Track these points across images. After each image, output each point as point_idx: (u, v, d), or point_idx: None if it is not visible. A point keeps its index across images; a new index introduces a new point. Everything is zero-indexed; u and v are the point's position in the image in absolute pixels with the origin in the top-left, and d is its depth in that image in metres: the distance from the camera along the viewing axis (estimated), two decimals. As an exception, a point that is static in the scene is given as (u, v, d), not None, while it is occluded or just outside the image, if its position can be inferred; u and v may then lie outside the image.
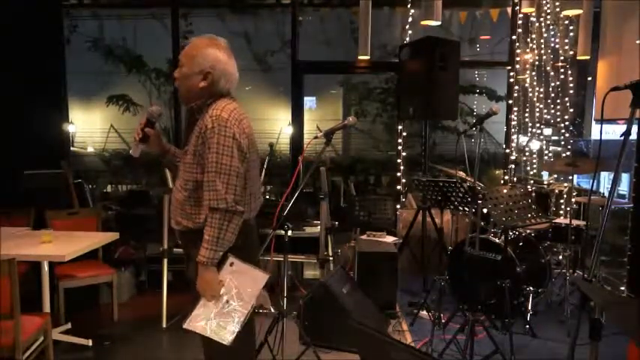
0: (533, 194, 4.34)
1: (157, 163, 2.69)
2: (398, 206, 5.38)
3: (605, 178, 7.65)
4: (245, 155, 2.01)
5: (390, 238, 4.48)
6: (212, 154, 1.94)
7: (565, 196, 5.09)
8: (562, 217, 4.78)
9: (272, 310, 3.01)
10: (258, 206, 2.20)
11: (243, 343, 2.05)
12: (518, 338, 3.53)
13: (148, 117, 2.12)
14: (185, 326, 2.01)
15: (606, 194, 5.74)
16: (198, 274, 2.00)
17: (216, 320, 1.99)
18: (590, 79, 6.19)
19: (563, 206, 5.17)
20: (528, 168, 5.79)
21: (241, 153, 1.99)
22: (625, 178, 6.46)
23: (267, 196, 6.78)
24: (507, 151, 5.53)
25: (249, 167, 2.06)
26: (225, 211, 1.94)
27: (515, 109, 5.54)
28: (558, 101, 5.56)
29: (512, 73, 5.45)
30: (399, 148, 5.44)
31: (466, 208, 3.49)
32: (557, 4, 5.38)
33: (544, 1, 5.45)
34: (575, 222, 4.10)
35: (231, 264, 2.02)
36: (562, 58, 5.53)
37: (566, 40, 5.52)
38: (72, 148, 7.88)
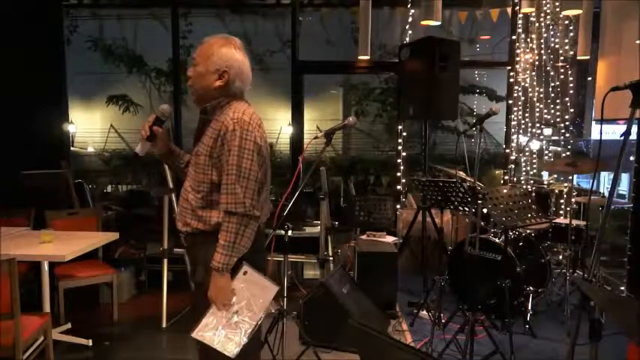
0: (533, 194, 4.34)
1: (157, 162, 2.66)
2: (398, 206, 5.39)
3: (605, 178, 7.66)
4: (263, 160, 1.99)
5: (390, 238, 4.48)
6: (233, 157, 1.89)
7: (565, 196, 5.09)
8: (562, 217, 4.78)
9: (272, 310, 3.01)
10: (268, 212, 2.17)
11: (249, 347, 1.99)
12: (518, 338, 3.53)
13: (158, 115, 2.05)
14: (193, 335, 1.94)
15: (606, 194, 5.74)
16: (212, 281, 1.93)
17: (225, 331, 1.94)
18: (590, 79, 6.19)
19: (563, 206, 5.17)
20: (528, 168, 5.78)
21: (260, 157, 1.95)
22: (625, 178, 6.46)
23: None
24: (507, 151, 5.53)
25: (264, 172, 2.03)
26: (242, 216, 1.89)
27: (515, 109, 5.53)
28: (558, 101, 5.55)
29: (512, 73, 5.45)
30: (399, 148, 5.44)
31: (466, 208, 3.48)
32: (557, 4, 5.37)
33: (544, 1, 5.45)
34: (575, 222, 4.10)
35: (245, 272, 1.96)
36: (562, 58, 5.53)
37: (566, 40, 5.52)
38: (72, 148, 7.89)
